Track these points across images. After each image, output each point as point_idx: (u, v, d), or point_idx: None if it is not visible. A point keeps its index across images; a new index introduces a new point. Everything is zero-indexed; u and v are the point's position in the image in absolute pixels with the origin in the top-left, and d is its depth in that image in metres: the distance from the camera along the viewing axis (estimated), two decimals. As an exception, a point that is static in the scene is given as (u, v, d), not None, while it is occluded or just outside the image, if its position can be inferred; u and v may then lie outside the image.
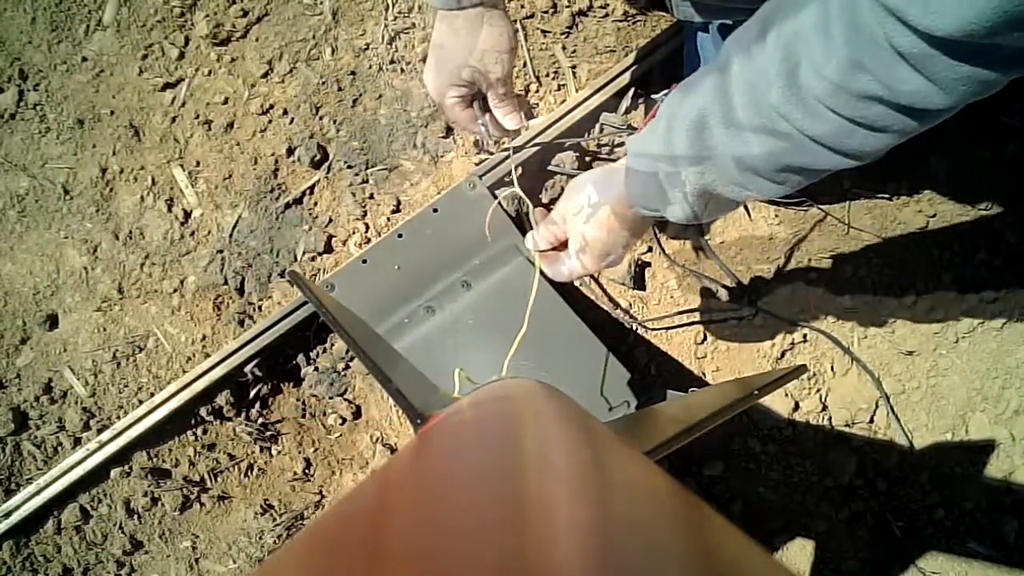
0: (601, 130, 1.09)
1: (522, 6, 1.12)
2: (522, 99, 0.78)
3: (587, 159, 1.10)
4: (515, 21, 1.12)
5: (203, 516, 1.11)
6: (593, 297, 1.11)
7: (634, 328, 1.13)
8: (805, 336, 1.13)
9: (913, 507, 1.12)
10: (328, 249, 1.11)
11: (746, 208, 1.14)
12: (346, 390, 1.13)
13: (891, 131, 0.45)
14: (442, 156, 1.12)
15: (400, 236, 1.03)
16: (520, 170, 0.81)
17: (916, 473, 1.12)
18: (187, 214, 1.12)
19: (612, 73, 1.07)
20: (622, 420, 0.87)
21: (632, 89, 1.08)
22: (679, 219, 0.61)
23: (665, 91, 1.02)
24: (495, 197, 1.00)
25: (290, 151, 1.12)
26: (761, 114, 0.48)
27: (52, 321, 1.10)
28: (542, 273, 1.02)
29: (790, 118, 0.46)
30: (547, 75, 1.14)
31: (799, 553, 1.12)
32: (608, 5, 1.11)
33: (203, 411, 1.08)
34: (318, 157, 1.11)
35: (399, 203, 1.12)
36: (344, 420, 1.12)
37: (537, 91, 1.14)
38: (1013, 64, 0.39)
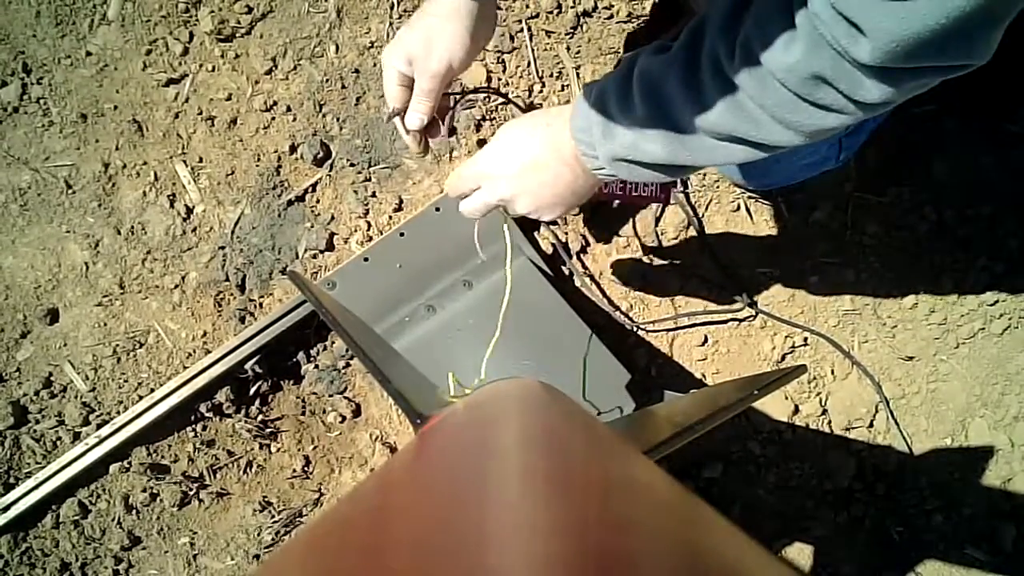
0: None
1: (527, 6, 1.12)
2: (447, 111, 0.71)
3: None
4: (519, 21, 1.12)
5: (201, 512, 1.11)
6: (594, 299, 1.11)
7: (634, 330, 1.13)
8: (806, 339, 1.13)
9: (912, 512, 1.12)
10: (330, 247, 1.11)
11: (748, 211, 1.14)
12: (346, 388, 1.13)
13: (834, 111, 0.47)
14: (445, 155, 1.12)
15: (402, 235, 1.03)
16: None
17: (915, 478, 1.12)
18: (189, 210, 1.12)
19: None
20: (622, 420, 0.87)
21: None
22: (614, 153, 0.57)
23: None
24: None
25: (293, 148, 1.12)
26: (720, 78, 0.50)
27: (53, 315, 1.10)
28: (542, 272, 1.02)
29: (744, 85, 0.48)
30: (551, 76, 1.14)
31: (797, 557, 1.12)
32: (613, 6, 1.11)
33: (203, 407, 1.08)
34: (321, 155, 1.11)
35: (401, 202, 1.12)
36: (344, 418, 1.12)
37: (541, 91, 1.14)
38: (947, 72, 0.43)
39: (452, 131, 0.76)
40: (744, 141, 0.52)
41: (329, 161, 1.13)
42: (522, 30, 1.12)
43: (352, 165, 1.12)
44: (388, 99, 0.71)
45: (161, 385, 1.06)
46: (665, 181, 0.63)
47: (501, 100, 1.11)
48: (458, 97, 0.73)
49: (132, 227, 1.11)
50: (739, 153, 0.54)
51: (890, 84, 0.43)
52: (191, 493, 1.10)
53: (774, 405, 1.12)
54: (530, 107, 1.13)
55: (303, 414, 1.13)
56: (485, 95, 1.09)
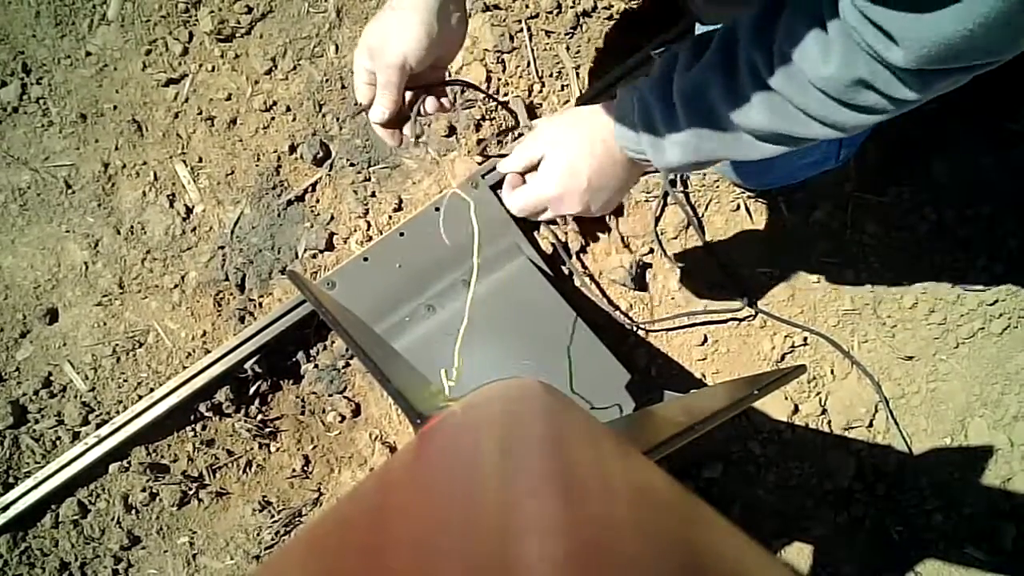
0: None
1: (527, 6, 1.12)
2: (399, 106, 0.70)
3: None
4: (519, 21, 1.12)
5: (201, 512, 1.11)
6: (594, 299, 1.11)
7: (634, 330, 1.13)
8: (805, 339, 1.13)
9: (911, 512, 1.12)
10: (329, 247, 1.11)
11: (748, 210, 1.14)
12: (346, 388, 1.13)
13: (873, 111, 0.50)
14: (444, 155, 1.12)
15: (402, 234, 1.03)
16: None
17: (915, 478, 1.12)
18: (189, 210, 1.12)
19: (616, 74, 1.07)
20: (622, 420, 0.87)
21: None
22: (668, 165, 0.62)
23: (663, 48, 1.02)
24: (498, 198, 1.00)
25: (292, 148, 1.12)
26: (761, 87, 0.53)
27: (52, 315, 1.10)
28: (542, 272, 1.02)
29: (784, 92, 0.51)
30: (551, 75, 1.14)
31: (797, 557, 1.12)
32: (613, 6, 1.11)
33: (202, 407, 1.08)
34: (320, 154, 1.11)
35: (401, 201, 1.12)
36: (343, 418, 1.12)
37: (541, 91, 1.14)
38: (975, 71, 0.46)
39: (420, 126, 0.75)
40: (787, 137, 0.56)
41: (329, 161, 1.13)
42: (522, 30, 1.12)
43: (352, 165, 1.12)
44: (356, 94, 0.71)
45: (161, 385, 1.06)
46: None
47: (482, 98, 1.10)
48: (422, 90, 0.72)
49: (132, 227, 1.11)
50: (781, 147, 0.58)
51: (926, 84, 0.46)
52: (190, 493, 1.10)
53: (774, 405, 1.13)
54: (530, 107, 1.13)
55: (303, 414, 1.13)
56: (484, 96, 1.09)
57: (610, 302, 1.12)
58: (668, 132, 0.60)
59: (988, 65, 0.45)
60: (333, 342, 1.12)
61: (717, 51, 0.56)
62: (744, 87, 0.54)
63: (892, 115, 0.51)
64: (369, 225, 1.12)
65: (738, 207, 1.14)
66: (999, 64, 0.46)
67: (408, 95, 0.71)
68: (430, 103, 0.73)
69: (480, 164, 1.07)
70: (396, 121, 0.72)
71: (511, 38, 1.12)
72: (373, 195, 1.12)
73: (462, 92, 1.10)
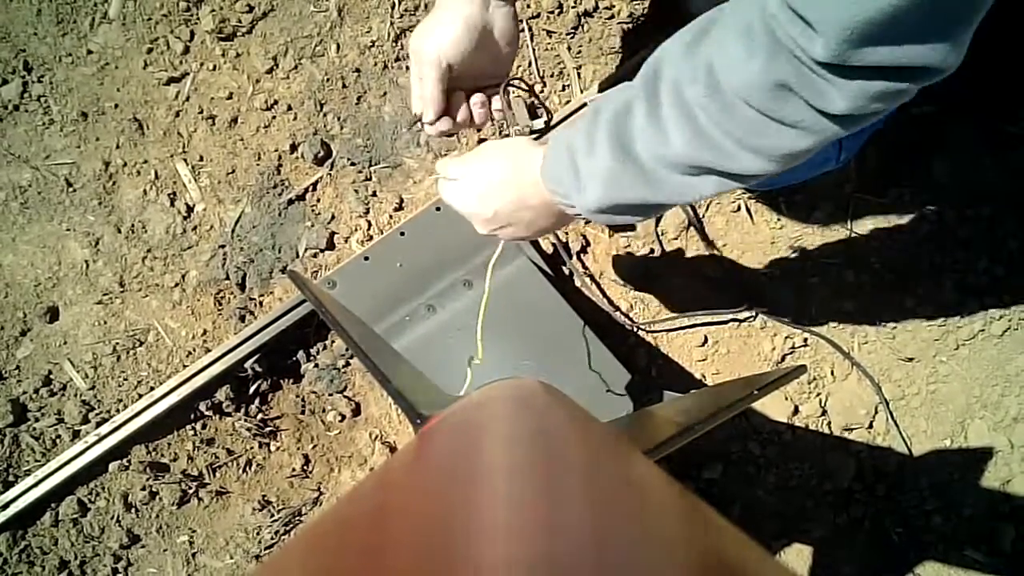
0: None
1: (528, 6, 1.12)
2: (441, 107, 0.70)
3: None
4: (521, 21, 1.12)
5: (201, 511, 1.11)
6: (594, 299, 1.11)
7: (634, 330, 1.13)
8: (806, 340, 1.13)
9: (911, 513, 1.12)
10: (330, 246, 1.11)
11: (748, 211, 1.14)
12: (346, 387, 1.13)
13: (802, 128, 0.46)
14: (446, 154, 1.12)
15: (402, 234, 1.03)
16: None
17: (915, 479, 1.12)
18: (189, 209, 1.12)
19: (617, 75, 1.07)
20: (622, 420, 0.87)
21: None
22: (589, 206, 0.57)
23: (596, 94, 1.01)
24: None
25: (293, 147, 1.12)
26: (682, 107, 0.48)
27: (53, 313, 1.10)
28: (542, 272, 1.02)
29: (708, 110, 0.47)
30: (552, 75, 1.14)
31: (797, 558, 1.12)
32: (614, 6, 1.11)
33: (202, 406, 1.08)
34: (321, 154, 1.11)
35: (402, 201, 1.12)
36: (343, 417, 1.12)
37: (542, 91, 1.14)
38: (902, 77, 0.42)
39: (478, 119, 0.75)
40: (713, 171, 0.51)
41: (330, 160, 1.13)
42: (523, 30, 1.12)
43: (353, 164, 1.12)
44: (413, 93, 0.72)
45: (161, 383, 1.06)
46: (645, 221, 0.63)
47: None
48: (480, 91, 0.73)
49: (132, 225, 1.11)
50: (710, 187, 0.53)
51: (852, 88, 0.42)
52: (190, 492, 1.10)
53: (774, 405, 1.13)
54: (530, 107, 1.13)
55: (303, 413, 1.13)
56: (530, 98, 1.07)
57: (610, 302, 1.12)
58: (588, 162, 0.55)
59: (923, 73, 0.41)
60: (333, 341, 1.12)
61: (643, 76, 0.52)
62: (665, 113, 0.49)
63: (822, 137, 0.46)
64: (370, 224, 1.12)
65: (739, 208, 1.14)
66: (939, 76, 0.43)
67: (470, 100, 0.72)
68: (474, 109, 0.73)
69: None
70: (448, 126, 0.72)
71: (512, 38, 1.12)
72: (374, 194, 1.12)
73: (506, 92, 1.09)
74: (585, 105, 1.05)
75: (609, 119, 0.53)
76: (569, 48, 1.13)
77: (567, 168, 0.57)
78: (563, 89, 1.14)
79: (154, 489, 1.09)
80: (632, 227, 1.13)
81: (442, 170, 0.68)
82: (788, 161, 0.50)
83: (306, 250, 1.11)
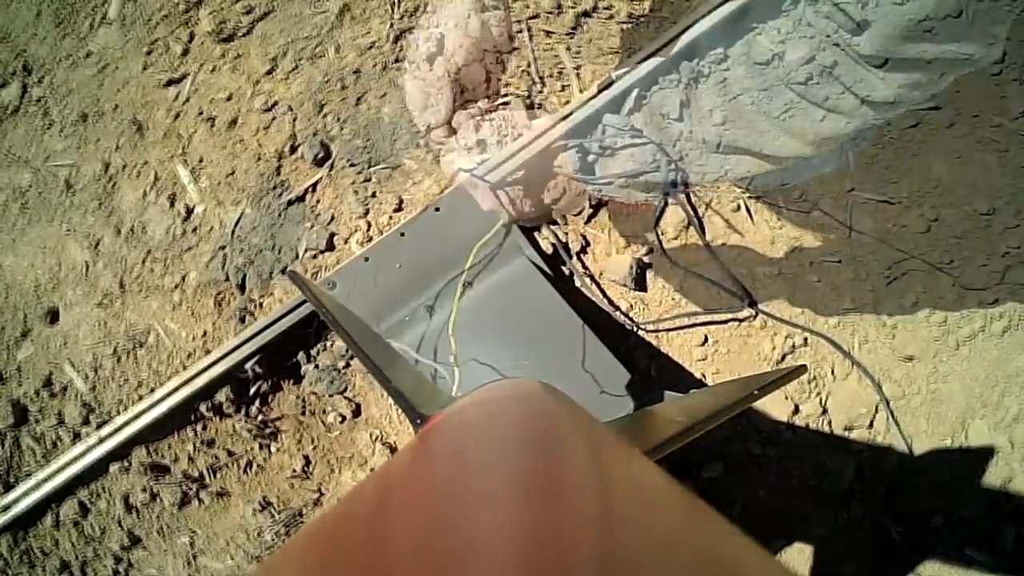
0: (604, 131, 1.09)
1: (527, 6, 1.12)
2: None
3: (589, 159, 1.10)
4: (519, 21, 1.12)
5: (201, 512, 1.11)
6: (594, 299, 1.11)
7: (634, 330, 1.13)
8: (806, 340, 1.13)
9: (911, 513, 1.11)
10: (330, 247, 1.11)
11: (748, 210, 1.14)
12: (346, 388, 1.13)
13: (839, 112, 0.46)
14: (445, 155, 1.12)
15: (402, 235, 1.03)
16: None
17: (915, 479, 1.12)
18: (189, 210, 1.12)
19: (616, 75, 1.07)
20: (622, 420, 0.87)
21: (635, 91, 1.08)
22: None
23: (625, 69, 1.01)
24: (496, 198, 1.01)
25: (293, 148, 1.12)
26: (721, 89, 0.49)
27: (53, 315, 1.10)
28: (542, 272, 1.02)
29: (747, 93, 0.47)
30: (551, 75, 1.14)
31: (797, 557, 1.12)
32: (612, 7, 1.11)
33: (203, 407, 1.08)
34: (321, 155, 1.11)
35: (401, 202, 1.12)
36: (344, 418, 1.12)
37: (541, 91, 1.14)
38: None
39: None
40: (747, 153, 0.52)
41: (329, 161, 1.13)
42: (522, 30, 1.12)
43: (352, 165, 1.12)
44: None
45: (161, 385, 1.06)
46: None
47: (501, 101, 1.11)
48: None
49: (132, 227, 1.11)
50: (743, 167, 0.54)
51: (896, 79, 0.43)
52: (191, 493, 1.10)
53: (774, 405, 1.12)
54: (530, 107, 1.13)
55: (303, 414, 1.13)
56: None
57: (610, 302, 1.12)
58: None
59: (963, 64, 0.43)
60: (333, 342, 1.12)
61: (682, 54, 0.53)
62: (704, 92, 0.51)
63: (861, 122, 0.48)
64: (369, 225, 1.12)
65: (738, 207, 1.14)
66: (979, 65, 0.44)
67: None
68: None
69: (479, 164, 1.07)
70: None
71: (511, 38, 1.12)
72: (373, 195, 1.12)
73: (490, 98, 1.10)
74: (585, 105, 1.06)
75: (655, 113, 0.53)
76: (568, 48, 1.13)
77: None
78: (562, 89, 1.14)
79: (155, 490, 1.09)
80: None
81: None
82: (822, 145, 0.51)
83: (306, 251, 1.11)
